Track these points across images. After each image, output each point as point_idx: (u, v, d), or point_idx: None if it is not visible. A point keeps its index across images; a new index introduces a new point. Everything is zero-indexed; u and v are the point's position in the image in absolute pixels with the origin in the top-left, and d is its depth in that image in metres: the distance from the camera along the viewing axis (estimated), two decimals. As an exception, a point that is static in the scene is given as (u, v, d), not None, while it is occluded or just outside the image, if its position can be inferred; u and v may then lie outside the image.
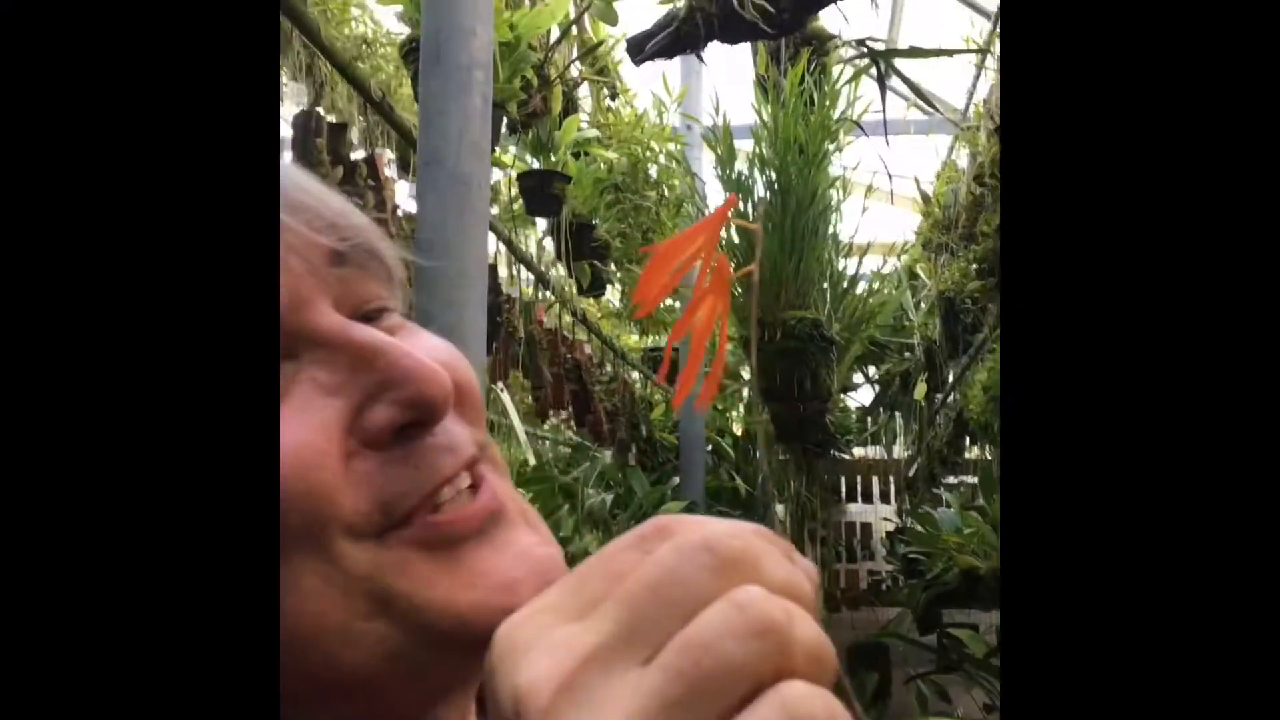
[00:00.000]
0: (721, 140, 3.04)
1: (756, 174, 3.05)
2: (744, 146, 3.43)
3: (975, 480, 4.84)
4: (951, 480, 5.82)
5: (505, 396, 2.96)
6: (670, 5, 2.32)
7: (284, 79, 2.97)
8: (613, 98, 3.71)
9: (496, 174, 3.78)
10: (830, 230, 3.24)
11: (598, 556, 0.29)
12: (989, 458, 5.16)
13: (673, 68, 3.90)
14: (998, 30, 3.62)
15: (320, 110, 2.14)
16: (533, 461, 3.31)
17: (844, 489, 6.81)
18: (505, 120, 2.88)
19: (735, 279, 3.39)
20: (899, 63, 3.12)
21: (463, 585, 0.37)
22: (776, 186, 3.12)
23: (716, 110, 3.34)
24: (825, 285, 3.35)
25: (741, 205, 3.17)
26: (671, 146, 3.79)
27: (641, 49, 2.29)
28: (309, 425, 0.36)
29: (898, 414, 6.62)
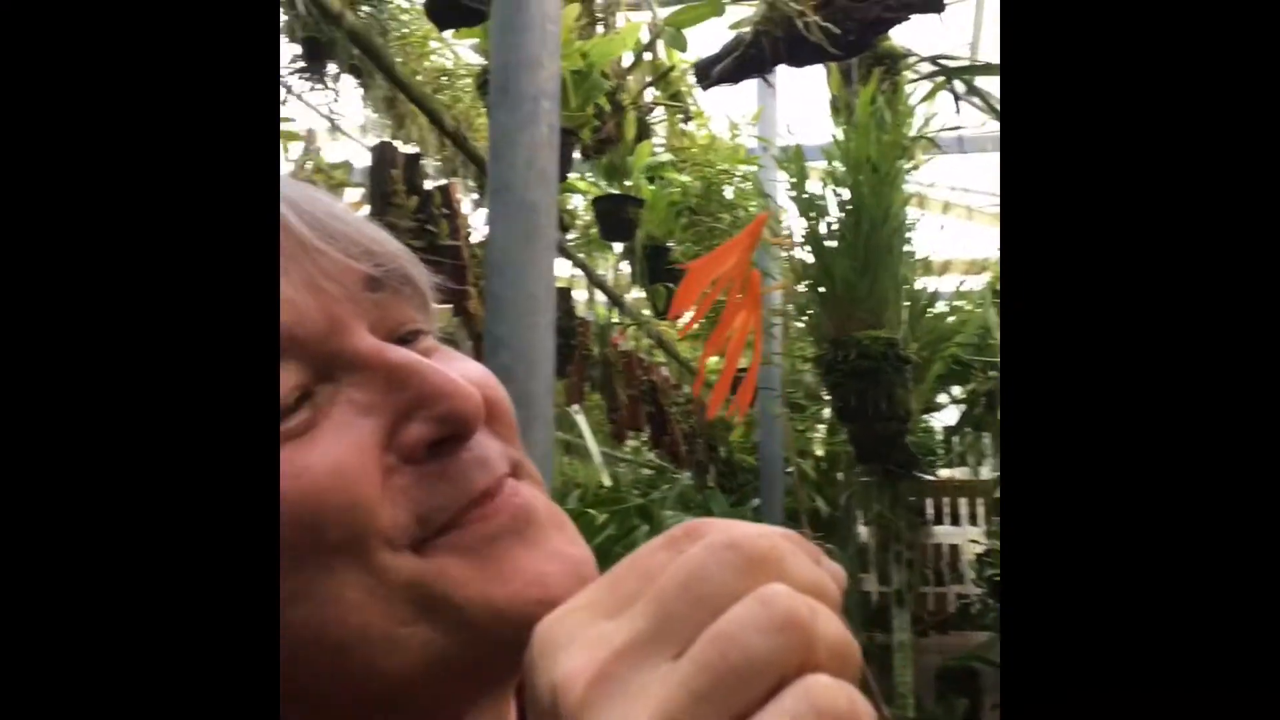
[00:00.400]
0: (793, 160, 3.05)
1: (829, 194, 3.05)
2: (819, 166, 3.43)
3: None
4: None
5: (581, 419, 2.99)
6: (739, 30, 2.35)
7: (369, 111, 3.07)
8: (686, 121, 3.75)
9: (576, 199, 3.84)
10: (906, 248, 3.21)
11: (631, 557, 0.31)
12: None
13: (749, 89, 3.92)
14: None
15: (397, 142, 2.22)
16: (608, 483, 3.34)
17: (931, 510, 6.70)
18: (579, 146, 2.93)
19: (794, 295, 3.39)
20: (977, 79, 3.10)
21: (498, 581, 0.39)
22: (851, 206, 3.11)
23: (789, 131, 3.35)
24: (903, 304, 3.32)
25: (819, 225, 3.17)
26: (745, 168, 3.81)
27: (708, 74, 2.32)
28: (348, 443, 0.39)
29: (985, 434, 6.49)
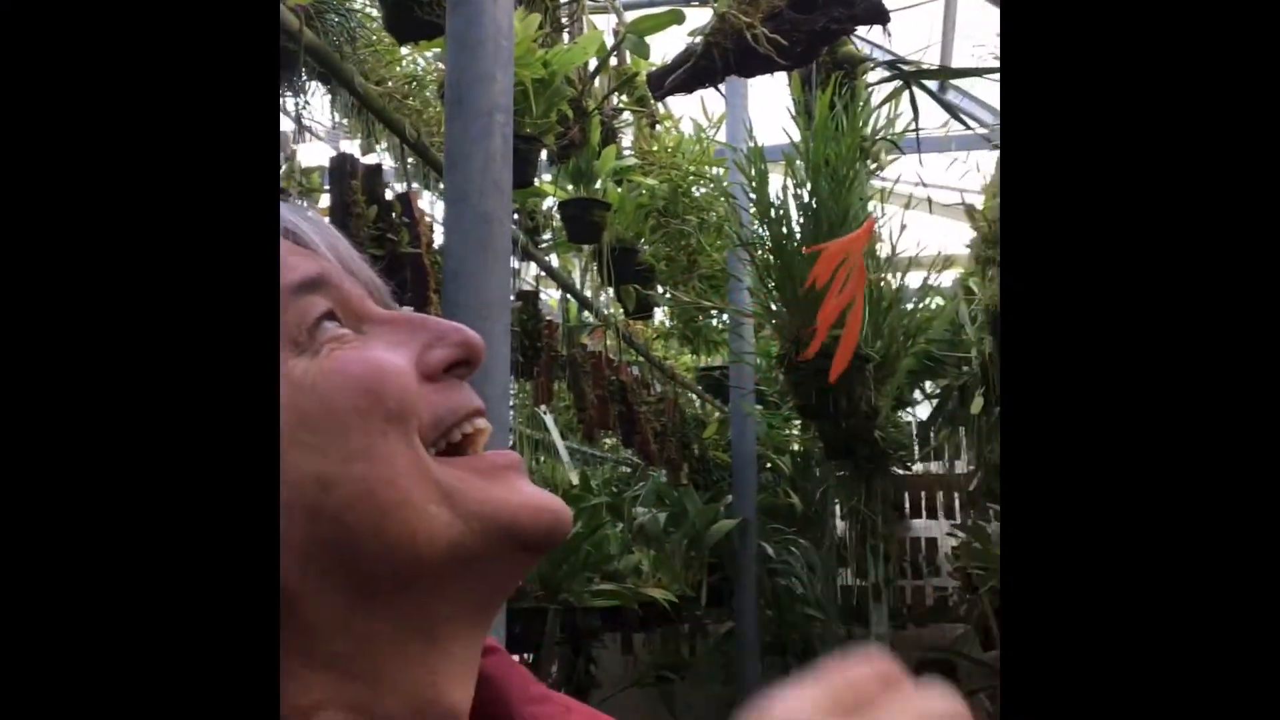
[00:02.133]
0: (753, 163, 3.11)
1: (789, 197, 3.12)
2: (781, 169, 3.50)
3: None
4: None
5: (549, 419, 3.06)
6: (691, 41, 2.41)
7: (338, 118, 3.12)
8: (652, 125, 3.81)
9: (549, 202, 3.89)
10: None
11: None
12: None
13: (714, 94, 3.98)
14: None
15: (355, 152, 2.27)
16: (576, 481, 3.41)
17: (907, 504, 6.78)
18: (545, 152, 2.99)
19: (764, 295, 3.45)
20: (940, 84, 3.17)
21: (514, 494, 0.47)
22: (812, 208, 3.18)
23: (750, 135, 3.41)
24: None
25: (783, 230, 3.24)
26: (711, 171, 3.87)
27: (662, 85, 2.38)
28: (393, 354, 0.47)
29: (959, 428, 6.56)
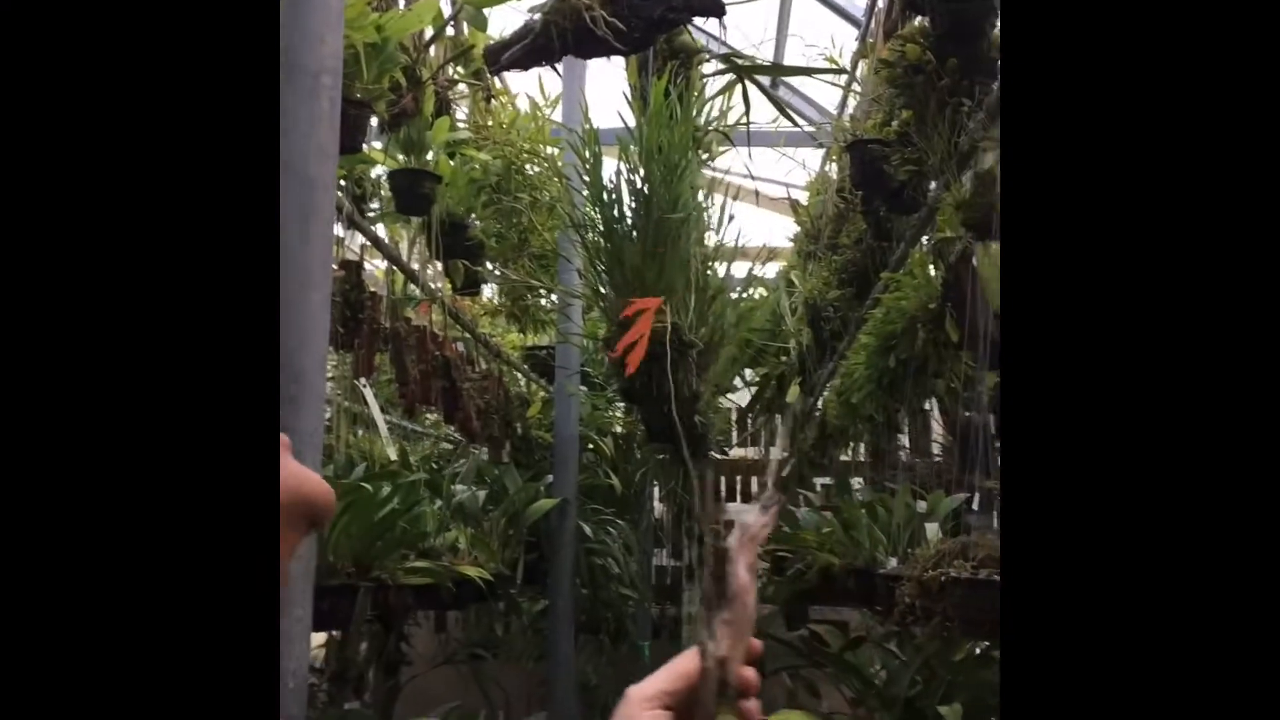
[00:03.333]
0: (588, 145, 3.12)
1: (622, 181, 3.14)
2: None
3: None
4: (828, 481, 5.99)
5: (368, 393, 2.99)
6: (529, 17, 2.39)
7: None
8: (488, 100, 3.76)
9: (379, 170, 3.79)
10: (694, 237, 3.34)
11: None
12: (844, 460, 5.34)
13: (552, 74, 3.96)
14: (863, 50, 3.78)
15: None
16: (394, 456, 3.35)
17: (724, 488, 6.98)
18: (375, 119, 2.91)
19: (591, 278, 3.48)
20: (772, 80, 3.25)
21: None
22: (644, 193, 3.21)
23: (586, 117, 3.42)
24: (691, 290, 3.44)
25: (614, 213, 3.26)
26: (545, 150, 3.86)
27: (497, 59, 2.36)
28: None
29: (776, 416, 6.78)
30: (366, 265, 3.49)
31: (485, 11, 2.98)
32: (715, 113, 3.59)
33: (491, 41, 2.75)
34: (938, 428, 4.58)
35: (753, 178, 3.48)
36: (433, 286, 3.65)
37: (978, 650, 3.22)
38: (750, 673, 0.71)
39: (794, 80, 5.51)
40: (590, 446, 5.53)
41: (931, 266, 3.17)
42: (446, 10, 3.12)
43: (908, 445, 4.72)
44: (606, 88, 3.89)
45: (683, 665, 0.72)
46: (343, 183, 3.16)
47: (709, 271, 3.80)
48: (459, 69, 3.43)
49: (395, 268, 3.44)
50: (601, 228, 3.26)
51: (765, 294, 5.00)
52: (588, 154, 3.11)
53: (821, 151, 4.68)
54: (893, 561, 3.11)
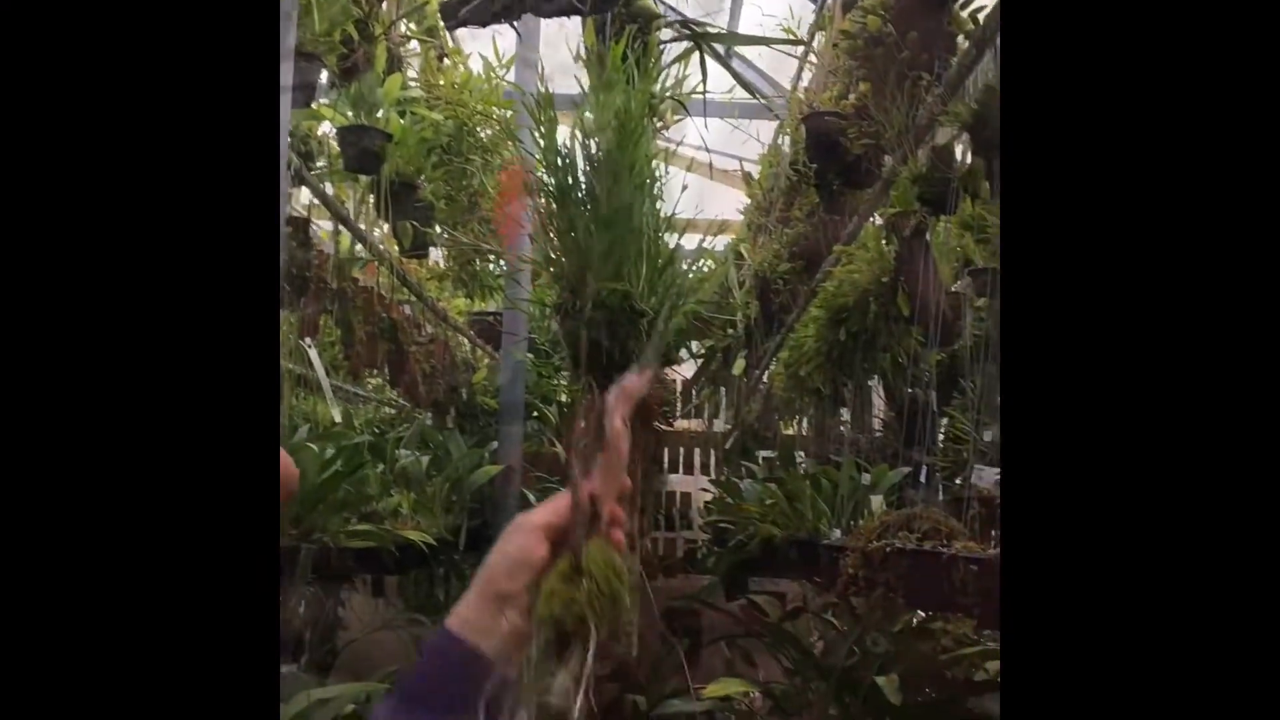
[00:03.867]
0: (543, 109, 3.08)
1: (576, 146, 3.10)
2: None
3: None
4: (769, 454, 6.04)
5: (313, 353, 2.94)
6: (489, -27, 2.35)
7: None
8: (441, 59, 3.70)
9: (326, 126, 3.71)
10: (648, 206, 3.32)
11: None
12: (790, 433, 5.37)
13: (507, 33, 3.90)
14: (820, 23, 3.78)
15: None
16: (338, 419, 3.30)
17: (666, 459, 6.99)
18: (325, 73, 2.85)
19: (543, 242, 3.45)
20: (726, 50, 3.22)
21: None
22: (599, 159, 3.17)
23: (541, 80, 3.37)
24: (643, 258, 3.42)
25: (568, 179, 3.22)
26: (499, 112, 3.80)
27: (455, 14, 2.31)
28: None
29: (720, 388, 6.80)
30: (313, 223, 3.42)
31: (441, -34, 2.91)
32: (670, 81, 3.56)
33: (446, -2, 2.70)
34: (879, 402, 4.62)
35: (706, 149, 3.46)
36: (380, 248, 3.59)
37: (914, 622, 3.26)
38: (619, 509, 0.80)
39: (748, 52, 5.49)
40: (535, 414, 5.51)
41: (884, 240, 3.19)
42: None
43: (849, 420, 4.76)
44: (560, 53, 3.85)
45: (564, 501, 0.80)
46: (289, 138, 3.09)
47: (660, 241, 3.79)
48: (412, 25, 3.36)
49: (342, 226, 3.38)
50: (555, 192, 3.22)
51: (714, 266, 5.00)
52: (542, 117, 3.07)
53: (775, 124, 4.68)
54: (836, 533, 3.14)
